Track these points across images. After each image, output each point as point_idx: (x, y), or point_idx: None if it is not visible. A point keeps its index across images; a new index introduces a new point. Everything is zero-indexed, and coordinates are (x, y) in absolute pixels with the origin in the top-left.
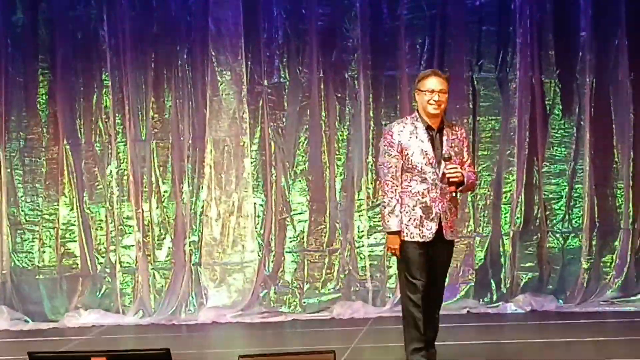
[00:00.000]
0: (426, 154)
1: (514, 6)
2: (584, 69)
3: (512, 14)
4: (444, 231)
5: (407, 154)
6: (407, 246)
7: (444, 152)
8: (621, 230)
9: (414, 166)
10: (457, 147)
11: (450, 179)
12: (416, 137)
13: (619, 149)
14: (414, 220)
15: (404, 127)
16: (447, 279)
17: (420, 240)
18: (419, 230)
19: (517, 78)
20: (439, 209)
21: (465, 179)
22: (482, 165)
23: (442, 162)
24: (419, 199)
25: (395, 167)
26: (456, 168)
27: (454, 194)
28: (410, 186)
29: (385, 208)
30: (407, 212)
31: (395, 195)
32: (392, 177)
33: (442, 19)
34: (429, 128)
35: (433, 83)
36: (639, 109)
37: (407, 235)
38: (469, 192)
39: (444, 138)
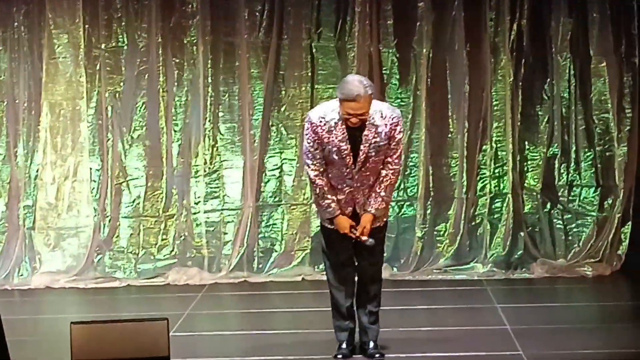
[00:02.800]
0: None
1: None
2: (421, 40)
3: None
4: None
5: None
6: None
7: (364, 240)
8: (455, 199)
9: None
10: (378, 144)
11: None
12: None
13: (454, 119)
14: None
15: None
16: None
17: None
18: None
19: (356, 47)
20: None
21: (380, 212)
22: None
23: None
24: None
25: None
26: (364, 234)
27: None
28: None
29: None
30: None
31: None
32: None
33: None
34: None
35: (352, 108)
36: (474, 81)
37: None
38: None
39: (357, 137)
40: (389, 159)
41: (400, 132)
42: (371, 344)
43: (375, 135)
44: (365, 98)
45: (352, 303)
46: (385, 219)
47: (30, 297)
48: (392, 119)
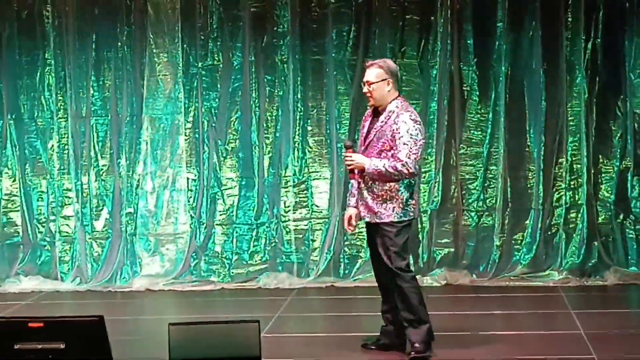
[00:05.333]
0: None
1: None
2: (500, 58)
3: (434, 4)
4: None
5: None
6: None
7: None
8: (532, 210)
9: None
10: (383, 133)
11: (347, 166)
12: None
13: (531, 133)
14: None
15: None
16: (390, 262)
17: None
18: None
19: (438, 65)
20: (361, 190)
21: (369, 167)
22: None
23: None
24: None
25: None
26: (350, 156)
27: (355, 180)
28: None
29: None
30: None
31: None
32: None
33: (368, 7)
34: (374, 111)
35: (364, 76)
36: (550, 97)
37: None
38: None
39: (374, 124)
40: (396, 153)
41: (403, 135)
42: (407, 346)
43: (382, 125)
44: (372, 69)
45: (386, 309)
46: (388, 219)
47: (131, 299)
48: (396, 122)
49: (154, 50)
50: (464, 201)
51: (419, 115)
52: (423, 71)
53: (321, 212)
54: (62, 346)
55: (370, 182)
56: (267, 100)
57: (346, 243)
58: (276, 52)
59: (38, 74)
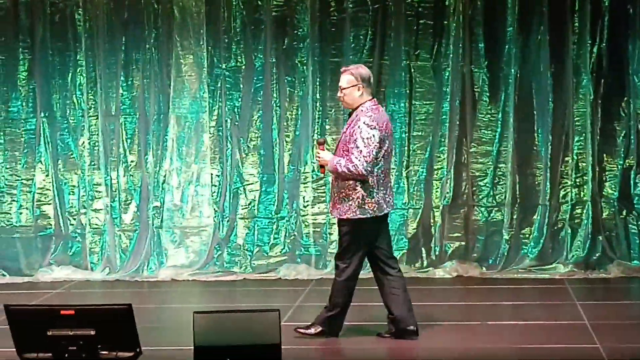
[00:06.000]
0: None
1: (448, 3)
2: (510, 61)
3: (447, 9)
4: (330, 208)
5: None
6: None
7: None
8: (539, 206)
9: None
10: (347, 135)
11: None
12: None
13: (539, 133)
14: None
15: None
16: (345, 253)
17: None
18: None
19: (450, 67)
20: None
21: (330, 164)
22: (417, 145)
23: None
24: None
25: None
26: (319, 153)
27: (324, 175)
28: None
29: None
30: None
31: None
32: None
33: (384, 12)
34: (350, 114)
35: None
36: (558, 98)
37: None
38: (346, 178)
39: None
40: (349, 154)
41: (357, 139)
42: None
43: (347, 128)
44: (344, 75)
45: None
46: (345, 216)
47: (158, 289)
48: (355, 126)
49: (180, 52)
50: (474, 197)
51: (381, 117)
52: (436, 73)
53: None
54: (93, 332)
55: (335, 179)
56: (288, 100)
57: None
58: (296, 54)
59: (70, 74)
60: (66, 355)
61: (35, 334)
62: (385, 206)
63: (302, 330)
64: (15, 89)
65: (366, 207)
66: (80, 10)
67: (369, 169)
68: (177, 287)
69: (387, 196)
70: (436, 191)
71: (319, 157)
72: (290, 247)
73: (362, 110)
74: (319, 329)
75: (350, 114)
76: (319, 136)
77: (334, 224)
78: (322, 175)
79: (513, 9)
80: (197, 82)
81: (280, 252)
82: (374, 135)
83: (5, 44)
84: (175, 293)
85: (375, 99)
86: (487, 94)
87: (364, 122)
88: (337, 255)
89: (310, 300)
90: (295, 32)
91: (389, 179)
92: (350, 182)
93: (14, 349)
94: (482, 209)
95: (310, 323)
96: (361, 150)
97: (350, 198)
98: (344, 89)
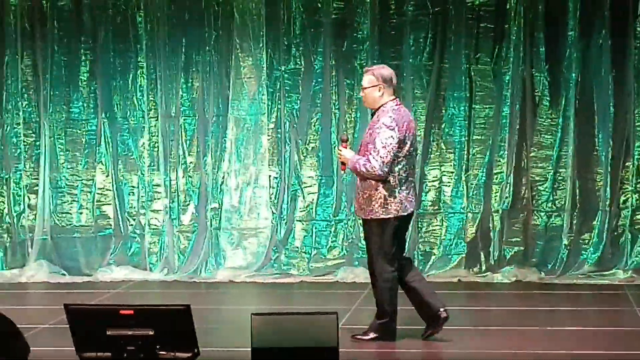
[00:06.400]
0: None
1: (509, 6)
2: (571, 65)
3: (507, 13)
4: (355, 209)
5: None
6: None
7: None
8: (599, 211)
9: None
10: (369, 134)
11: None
12: None
13: (599, 138)
14: None
15: None
16: (376, 256)
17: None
18: None
19: (510, 71)
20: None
21: (350, 162)
22: (476, 149)
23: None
24: None
25: None
26: (341, 151)
27: (344, 172)
28: None
29: None
30: None
31: None
32: None
33: (444, 16)
34: (372, 114)
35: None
36: (619, 103)
37: None
38: (365, 177)
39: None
40: (368, 154)
41: (375, 139)
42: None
43: (369, 128)
44: (366, 75)
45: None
46: (369, 216)
47: (215, 290)
48: (375, 127)
49: (240, 54)
50: (534, 202)
51: (402, 118)
52: (496, 77)
53: None
54: (151, 333)
55: (358, 178)
56: (347, 102)
57: (420, 240)
58: (356, 57)
59: (131, 75)
60: (125, 355)
61: (95, 334)
62: (408, 206)
63: (358, 337)
64: (77, 90)
65: (389, 206)
66: (142, 12)
67: (386, 169)
68: (235, 288)
69: (409, 195)
70: (495, 195)
71: (341, 154)
72: (348, 250)
73: (383, 111)
74: (374, 335)
75: (372, 114)
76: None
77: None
78: (342, 172)
79: (574, 13)
80: (256, 84)
81: (338, 254)
82: (392, 136)
83: (67, 45)
84: (232, 294)
85: (397, 99)
86: (548, 98)
87: (383, 123)
88: (369, 261)
89: (368, 303)
90: (355, 34)
91: (412, 178)
92: (372, 182)
93: (74, 348)
94: (542, 213)
95: (365, 330)
96: (378, 151)
97: (374, 198)
98: (365, 88)
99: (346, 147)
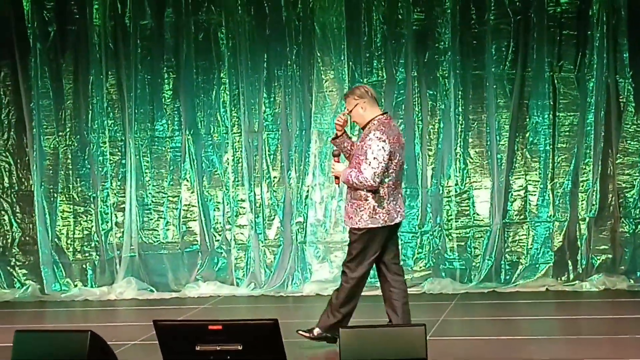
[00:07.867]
0: None
1: (591, 13)
2: None
3: (590, 20)
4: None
5: None
6: None
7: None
8: None
9: None
10: (359, 149)
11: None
12: None
13: None
14: None
15: None
16: (353, 259)
17: None
18: None
19: (594, 78)
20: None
21: (342, 176)
22: (561, 157)
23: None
24: None
25: None
26: (333, 165)
27: (339, 186)
28: None
29: None
30: None
31: None
32: None
33: (526, 24)
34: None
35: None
36: None
37: None
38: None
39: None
40: (360, 167)
41: (367, 152)
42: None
43: (359, 142)
44: (345, 100)
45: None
46: (357, 225)
47: (302, 303)
48: (366, 140)
49: (321, 68)
50: (621, 209)
51: (391, 131)
52: (580, 84)
53: (482, 220)
54: (240, 347)
55: (348, 189)
56: (430, 113)
57: (507, 250)
58: (438, 68)
59: (214, 92)
60: None
61: (184, 349)
62: (396, 216)
63: (302, 332)
64: (160, 108)
65: (377, 216)
66: (223, 29)
67: (378, 180)
68: (322, 302)
69: (397, 206)
70: (582, 203)
71: (333, 169)
72: (434, 261)
73: (373, 124)
74: (322, 334)
75: (362, 128)
76: (462, 150)
77: (478, 237)
78: (336, 185)
79: None
80: (338, 97)
81: (424, 266)
82: (383, 148)
83: (150, 63)
84: (320, 308)
85: (387, 113)
86: (633, 104)
87: (374, 136)
88: (345, 263)
89: (456, 314)
90: (437, 45)
91: (400, 189)
92: (362, 192)
93: None
94: (629, 220)
95: (311, 327)
96: (370, 163)
97: (362, 208)
98: (350, 111)
99: (338, 162)
